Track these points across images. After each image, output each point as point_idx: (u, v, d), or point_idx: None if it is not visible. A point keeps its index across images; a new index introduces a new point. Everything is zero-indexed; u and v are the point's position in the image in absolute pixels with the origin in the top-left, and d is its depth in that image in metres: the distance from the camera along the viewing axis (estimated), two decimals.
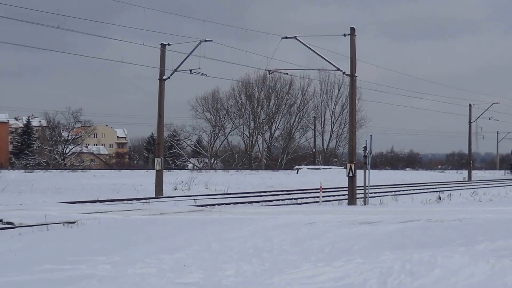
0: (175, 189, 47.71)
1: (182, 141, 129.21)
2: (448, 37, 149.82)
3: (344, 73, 37.85)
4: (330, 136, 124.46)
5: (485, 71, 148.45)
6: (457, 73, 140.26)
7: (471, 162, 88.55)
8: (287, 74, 45.04)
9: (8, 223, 23.28)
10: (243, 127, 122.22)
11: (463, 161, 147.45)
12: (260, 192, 45.55)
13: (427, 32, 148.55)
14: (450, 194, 42.21)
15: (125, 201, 34.93)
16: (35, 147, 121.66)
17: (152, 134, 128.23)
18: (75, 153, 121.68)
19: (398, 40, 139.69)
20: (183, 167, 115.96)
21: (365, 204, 35.32)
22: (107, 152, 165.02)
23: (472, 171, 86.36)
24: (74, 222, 22.99)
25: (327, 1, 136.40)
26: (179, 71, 42.43)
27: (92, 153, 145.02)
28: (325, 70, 50.75)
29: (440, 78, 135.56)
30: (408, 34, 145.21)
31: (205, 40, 40.45)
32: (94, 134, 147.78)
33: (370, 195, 36.09)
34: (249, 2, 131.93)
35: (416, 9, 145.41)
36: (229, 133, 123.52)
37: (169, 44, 42.28)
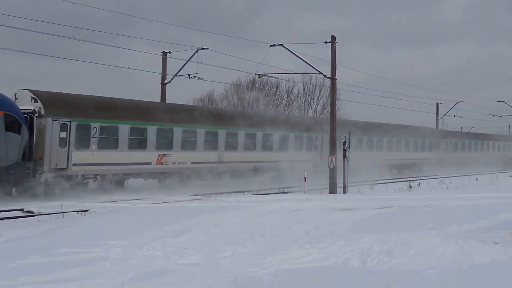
0: None
1: None
2: (428, 43, 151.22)
3: (325, 76, 37.81)
4: None
5: (453, 74, 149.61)
6: (430, 76, 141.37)
7: None
8: (275, 77, 44.96)
9: (28, 211, 23.20)
10: None
11: None
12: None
13: (411, 40, 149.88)
14: (420, 183, 42.24)
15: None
16: None
17: None
18: None
19: (384, 47, 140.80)
20: None
21: (344, 192, 35.32)
22: None
23: None
24: (86, 211, 22.92)
25: (326, 10, 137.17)
26: (179, 75, 42.34)
27: None
28: (308, 74, 50.73)
29: (416, 81, 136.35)
30: (394, 41, 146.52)
31: (202, 48, 40.41)
32: None
33: (349, 184, 36.08)
34: (257, 12, 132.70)
35: (403, 18, 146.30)
36: None
37: (170, 52, 42.26)
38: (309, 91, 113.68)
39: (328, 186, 36.86)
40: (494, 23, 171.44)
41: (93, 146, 31.69)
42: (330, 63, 37.23)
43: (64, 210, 22.35)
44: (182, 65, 41.74)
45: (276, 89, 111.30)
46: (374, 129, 56.30)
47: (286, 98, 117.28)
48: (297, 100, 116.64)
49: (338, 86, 39.04)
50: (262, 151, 42.66)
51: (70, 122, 30.33)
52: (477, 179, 47.64)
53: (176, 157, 36.21)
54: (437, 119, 78.37)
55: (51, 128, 29.46)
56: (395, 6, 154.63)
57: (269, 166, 42.81)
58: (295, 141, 45.98)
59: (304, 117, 62.06)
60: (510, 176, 55.19)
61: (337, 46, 37.09)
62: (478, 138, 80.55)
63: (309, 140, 47.76)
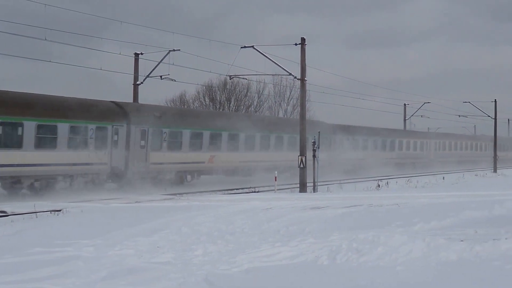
0: None
1: None
2: (397, 45, 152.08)
3: (295, 77, 37.78)
4: None
5: (421, 75, 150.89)
6: (398, 78, 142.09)
7: None
8: (245, 79, 44.68)
9: (1, 211, 22.92)
10: None
11: None
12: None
13: (380, 42, 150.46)
14: (388, 182, 42.45)
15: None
16: None
17: None
18: None
19: (354, 48, 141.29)
20: None
21: (314, 191, 35.40)
22: None
23: None
24: (60, 210, 22.69)
25: (297, 12, 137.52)
26: (151, 77, 42.09)
27: None
28: (279, 75, 50.46)
29: (385, 82, 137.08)
30: (363, 43, 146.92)
31: (174, 50, 40.22)
32: None
33: (318, 183, 36.17)
34: (228, 13, 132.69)
35: (375, 20, 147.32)
36: None
37: (142, 53, 41.97)
38: (280, 92, 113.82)
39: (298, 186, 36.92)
40: (461, 27, 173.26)
41: None
42: (300, 65, 37.26)
43: (37, 210, 22.12)
44: (154, 66, 41.54)
45: (247, 91, 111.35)
46: (238, 121, 43.94)
47: (257, 99, 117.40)
48: (267, 101, 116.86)
49: (308, 87, 39.13)
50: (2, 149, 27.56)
51: None
52: (443, 178, 48.09)
53: None
54: (404, 120, 79.04)
55: None
56: (364, 8, 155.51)
57: (16, 172, 28.26)
58: (73, 135, 30.66)
59: (96, 101, 34.53)
60: (476, 175, 55.87)
61: (308, 47, 37.13)
62: (382, 135, 64.29)
63: (103, 134, 32.31)
